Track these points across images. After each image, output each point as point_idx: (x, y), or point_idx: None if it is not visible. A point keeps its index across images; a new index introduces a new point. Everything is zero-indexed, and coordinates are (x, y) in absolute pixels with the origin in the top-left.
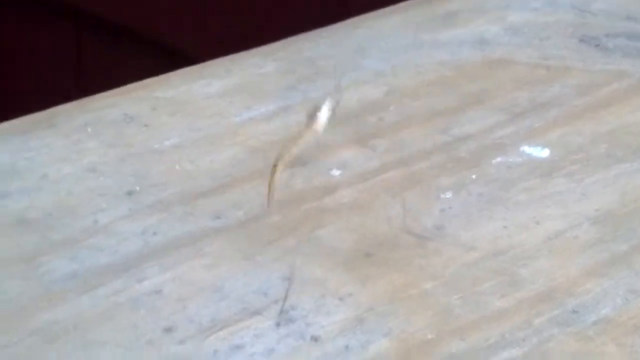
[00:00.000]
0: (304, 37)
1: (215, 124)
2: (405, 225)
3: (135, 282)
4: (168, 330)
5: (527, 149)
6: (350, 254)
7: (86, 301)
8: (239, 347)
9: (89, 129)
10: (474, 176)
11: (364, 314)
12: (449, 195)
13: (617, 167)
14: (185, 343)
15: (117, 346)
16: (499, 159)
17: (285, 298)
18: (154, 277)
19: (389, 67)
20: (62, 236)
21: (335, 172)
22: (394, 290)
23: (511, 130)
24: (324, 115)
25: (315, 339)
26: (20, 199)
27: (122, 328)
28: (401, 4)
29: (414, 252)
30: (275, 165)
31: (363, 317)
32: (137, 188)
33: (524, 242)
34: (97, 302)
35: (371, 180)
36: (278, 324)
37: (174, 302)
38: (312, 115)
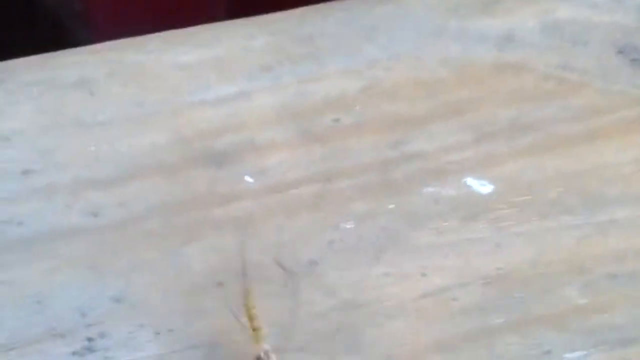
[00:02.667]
0: (318, 8)
1: (162, 101)
2: (278, 255)
3: None
4: None
5: (470, 180)
6: (201, 280)
7: None
8: None
9: (35, 90)
10: (391, 206)
11: (172, 355)
12: (349, 225)
13: (555, 220)
14: None
15: None
16: (431, 189)
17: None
18: None
19: (385, 58)
20: None
21: (248, 180)
22: (215, 333)
23: (466, 155)
24: None
25: None
26: None
27: None
28: None
29: (269, 289)
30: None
31: (169, 358)
32: (38, 167)
33: (395, 295)
34: None
35: (278, 195)
36: (74, 353)
37: None
38: None
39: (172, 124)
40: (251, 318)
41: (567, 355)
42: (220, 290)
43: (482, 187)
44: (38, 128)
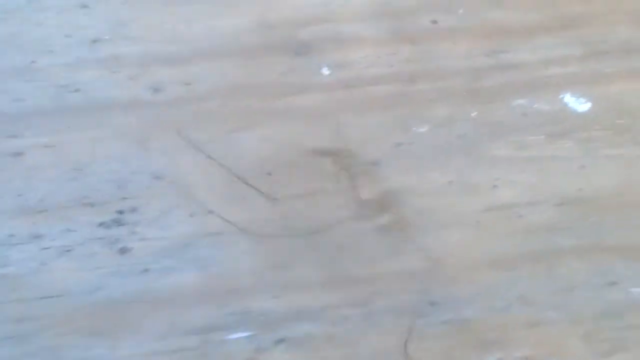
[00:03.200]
0: None
1: None
2: (337, 151)
3: None
4: None
5: (568, 97)
6: (248, 167)
7: None
8: None
9: None
10: (474, 114)
11: (201, 239)
12: (423, 129)
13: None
14: None
15: None
16: (522, 101)
17: None
18: None
19: None
20: None
21: (325, 72)
22: (250, 220)
23: (570, 71)
24: None
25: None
26: None
27: None
28: None
29: (320, 185)
30: None
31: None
32: (108, 37)
33: (456, 205)
34: None
35: (352, 90)
36: (101, 224)
37: None
38: None
39: (257, 9)
40: None
41: (634, 289)
42: (267, 179)
43: (580, 104)
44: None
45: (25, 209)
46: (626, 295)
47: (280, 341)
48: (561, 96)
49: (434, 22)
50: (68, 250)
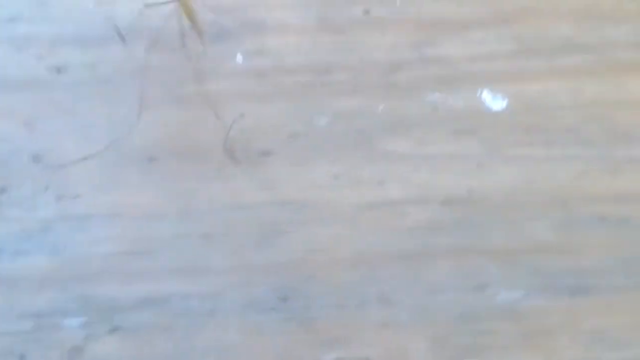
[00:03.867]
0: None
1: None
2: (233, 141)
3: None
4: None
5: (485, 93)
6: (133, 154)
7: None
8: None
9: None
10: (381, 107)
11: None
12: (323, 121)
13: (562, 149)
14: None
15: None
16: (437, 96)
17: None
18: None
19: None
20: None
21: (239, 59)
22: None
23: (494, 67)
24: None
25: None
26: None
27: None
28: None
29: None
30: None
31: None
32: (26, 15)
33: (336, 200)
34: None
35: (260, 79)
36: None
37: None
38: None
39: None
40: None
41: (503, 294)
42: (147, 165)
43: (496, 102)
44: None
45: None
46: (490, 301)
47: (114, 330)
48: (478, 93)
49: (366, 12)
50: None
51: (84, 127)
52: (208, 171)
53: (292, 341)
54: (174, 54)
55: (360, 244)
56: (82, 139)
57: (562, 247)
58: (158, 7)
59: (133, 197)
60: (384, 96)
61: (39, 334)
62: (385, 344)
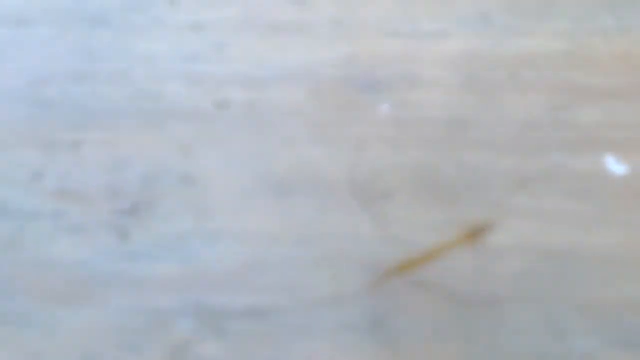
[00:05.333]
0: None
1: None
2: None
3: None
4: None
5: (609, 158)
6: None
7: None
8: None
9: None
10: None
11: None
12: (448, 170)
13: None
14: None
15: None
16: (559, 155)
17: None
18: None
19: None
20: None
21: (385, 108)
22: None
23: (627, 135)
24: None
25: None
26: None
27: None
28: None
29: None
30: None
31: None
32: None
33: None
34: None
35: (401, 129)
36: None
37: None
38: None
39: None
40: None
41: (580, 342)
42: (280, 197)
43: (617, 167)
44: None
45: None
46: (568, 348)
47: (220, 334)
48: (602, 157)
49: (512, 75)
50: None
51: (233, 157)
52: (330, 204)
53: None
54: (328, 99)
55: (454, 284)
56: (229, 167)
57: None
58: (328, 57)
59: (261, 222)
60: (511, 152)
61: (152, 330)
62: None
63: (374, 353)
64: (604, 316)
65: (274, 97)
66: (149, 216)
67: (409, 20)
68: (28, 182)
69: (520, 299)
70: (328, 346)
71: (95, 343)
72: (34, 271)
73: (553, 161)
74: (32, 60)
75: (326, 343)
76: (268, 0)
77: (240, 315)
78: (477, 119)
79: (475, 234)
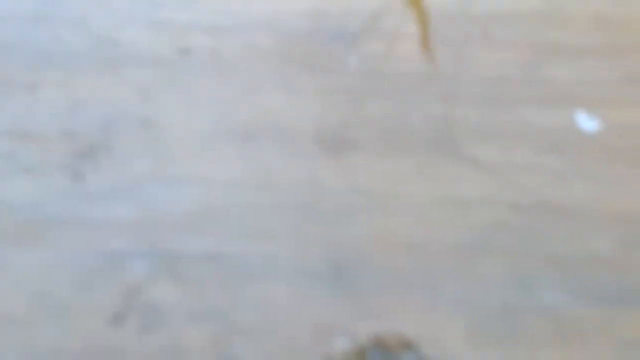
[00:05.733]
0: None
1: None
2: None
3: None
4: None
5: (580, 115)
6: None
7: None
8: None
9: None
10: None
11: None
12: (413, 118)
13: (628, 171)
14: None
15: None
16: (530, 110)
17: None
18: None
19: None
20: None
21: (353, 60)
22: None
23: (599, 92)
24: None
25: None
26: None
27: None
28: None
29: None
30: None
31: None
32: None
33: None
34: None
35: (371, 80)
36: None
37: None
38: None
39: None
40: None
41: (548, 296)
42: (244, 143)
43: (588, 124)
44: None
45: None
46: (534, 301)
47: (175, 277)
48: (573, 114)
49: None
50: None
51: (195, 102)
52: (294, 153)
53: (334, 309)
54: (295, 49)
55: (420, 235)
56: (191, 113)
57: (617, 262)
58: (296, 8)
59: (222, 168)
60: (480, 106)
61: (106, 271)
62: (424, 326)
63: (332, 299)
64: (572, 270)
65: (239, 44)
66: (105, 159)
67: None
68: None
69: (488, 251)
70: (285, 290)
71: (46, 282)
72: None
73: (523, 116)
74: None
75: (283, 287)
76: None
77: (197, 259)
78: (445, 72)
79: None
